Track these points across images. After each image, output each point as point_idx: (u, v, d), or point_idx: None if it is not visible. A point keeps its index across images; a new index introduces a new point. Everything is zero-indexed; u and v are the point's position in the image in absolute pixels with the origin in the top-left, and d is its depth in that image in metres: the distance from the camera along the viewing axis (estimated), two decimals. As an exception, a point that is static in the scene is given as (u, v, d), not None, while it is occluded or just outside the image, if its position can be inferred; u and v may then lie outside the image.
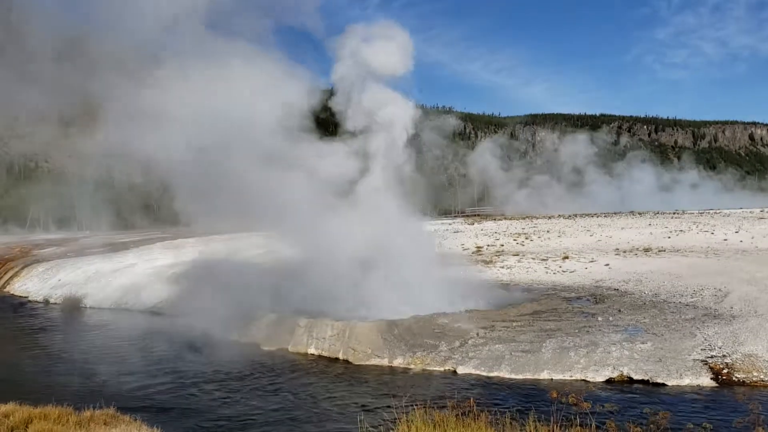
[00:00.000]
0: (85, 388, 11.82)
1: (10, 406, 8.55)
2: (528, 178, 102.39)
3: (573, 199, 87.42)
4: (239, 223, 17.78)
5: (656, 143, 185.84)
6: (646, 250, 25.29)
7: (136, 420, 8.36)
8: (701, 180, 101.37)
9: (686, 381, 10.36)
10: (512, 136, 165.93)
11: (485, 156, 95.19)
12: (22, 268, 31.15)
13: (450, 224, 46.88)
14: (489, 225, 44.34)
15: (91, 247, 38.15)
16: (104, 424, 8.11)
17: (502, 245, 30.61)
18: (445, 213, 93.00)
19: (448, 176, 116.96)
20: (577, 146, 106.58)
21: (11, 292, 28.01)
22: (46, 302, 24.64)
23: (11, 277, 30.19)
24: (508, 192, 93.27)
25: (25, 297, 26.40)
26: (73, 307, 22.72)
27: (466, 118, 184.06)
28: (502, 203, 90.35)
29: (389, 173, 17.96)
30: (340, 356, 13.45)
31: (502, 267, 23.49)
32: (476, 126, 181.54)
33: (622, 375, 10.82)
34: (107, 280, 25.06)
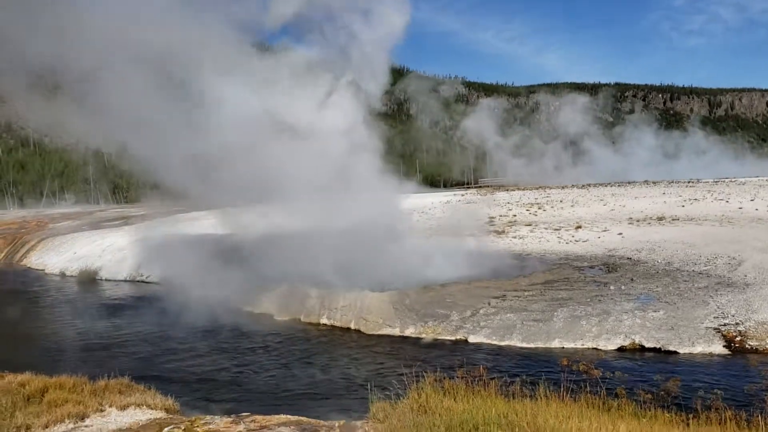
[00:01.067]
0: (99, 358, 11.98)
1: (26, 376, 8.69)
2: (523, 144, 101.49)
3: (573, 166, 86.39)
4: (241, 198, 17.82)
5: (671, 112, 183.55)
6: (660, 218, 25.11)
7: (150, 389, 8.46)
8: (710, 146, 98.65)
9: (698, 349, 10.34)
10: (517, 105, 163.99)
11: (481, 121, 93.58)
12: (39, 242, 31.44)
13: (462, 195, 46.76)
14: (502, 195, 44.17)
15: (105, 220, 38.46)
16: (119, 393, 8.21)
17: (515, 215, 30.49)
18: (457, 184, 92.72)
19: (459, 146, 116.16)
20: (576, 111, 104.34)
21: (28, 266, 28.33)
22: (63, 275, 24.90)
23: (28, 251, 30.50)
24: (504, 159, 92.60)
25: (42, 270, 26.69)
26: (88, 279, 22.97)
27: (478, 87, 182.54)
28: (498, 172, 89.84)
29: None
30: (352, 326, 13.53)
31: (515, 237, 23.41)
32: (488, 96, 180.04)
33: (633, 343, 10.81)
34: (122, 252, 25.23)
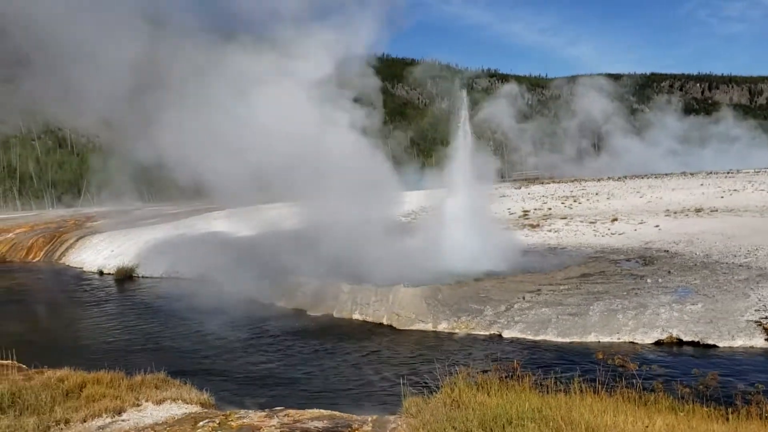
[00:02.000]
0: (136, 353, 12.16)
1: (64, 371, 8.84)
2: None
3: (606, 157, 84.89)
4: (272, 195, 18.04)
5: (710, 101, 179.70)
6: (698, 210, 24.64)
7: (185, 383, 8.54)
8: (745, 135, 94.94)
9: (738, 342, 10.10)
10: (550, 97, 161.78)
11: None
12: (77, 240, 32.03)
13: (496, 188, 46.38)
14: (536, 188, 43.75)
15: (142, 218, 39.02)
16: (155, 387, 8.30)
17: (550, 209, 30.20)
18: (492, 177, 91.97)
19: (493, 140, 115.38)
20: (607, 102, 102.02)
21: (67, 264, 28.88)
22: (101, 273, 25.33)
23: (66, 249, 31.09)
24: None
25: (80, 268, 27.19)
26: (125, 276, 23.33)
27: (509, 80, 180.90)
28: (533, 165, 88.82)
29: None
30: (384, 321, 13.51)
31: (550, 230, 23.18)
32: (521, 88, 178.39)
33: (671, 337, 10.61)
34: (157, 250, 25.56)
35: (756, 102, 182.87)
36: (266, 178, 17.59)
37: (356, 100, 19.54)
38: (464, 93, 18.86)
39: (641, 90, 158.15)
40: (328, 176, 17.45)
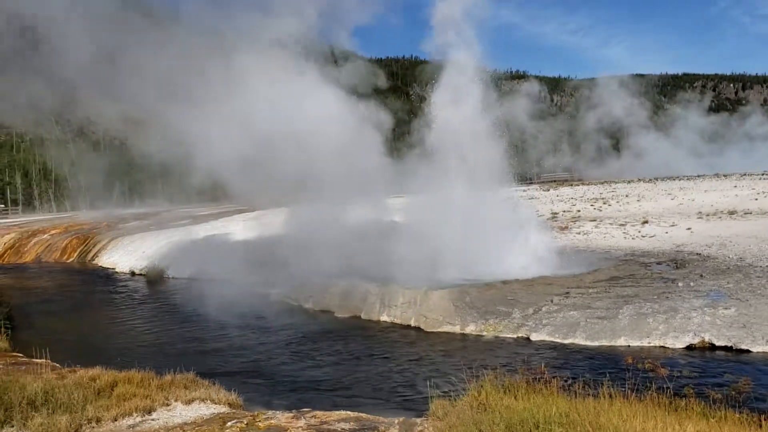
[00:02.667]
0: (166, 353, 12.31)
1: (96, 371, 8.99)
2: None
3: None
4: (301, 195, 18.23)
5: (743, 102, 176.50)
6: (731, 212, 24.23)
7: (214, 384, 8.62)
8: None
9: (773, 347, 9.91)
10: (572, 96, 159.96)
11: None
12: (109, 241, 32.55)
13: (525, 191, 46.09)
14: (565, 190, 43.40)
15: (172, 220, 39.49)
16: (184, 387, 8.41)
17: (579, 211, 29.94)
18: (520, 179, 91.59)
19: (522, 141, 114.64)
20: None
21: (100, 264, 29.36)
22: (132, 273, 25.72)
23: (99, 250, 31.61)
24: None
25: (113, 269, 27.63)
26: (156, 277, 23.65)
27: (541, 81, 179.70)
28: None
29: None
30: (412, 323, 13.51)
31: (579, 233, 22.98)
32: (551, 89, 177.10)
33: (703, 341, 10.44)
34: (188, 251, 25.87)
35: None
36: (296, 180, 17.75)
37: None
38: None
39: (672, 90, 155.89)
40: (360, 177, 17.56)
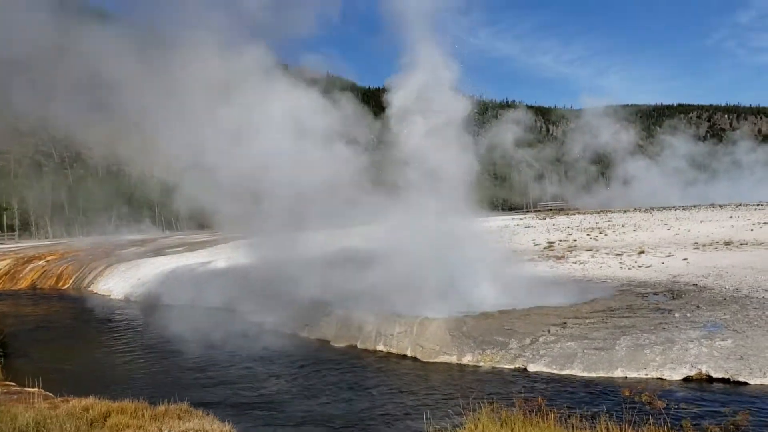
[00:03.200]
0: (160, 383, 12.21)
1: (89, 400, 8.91)
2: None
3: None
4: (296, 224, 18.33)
5: (738, 132, 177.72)
6: (727, 243, 24.26)
7: (208, 414, 8.56)
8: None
9: (770, 380, 9.86)
10: (565, 125, 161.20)
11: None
12: (105, 268, 32.46)
13: (521, 219, 46.17)
14: (561, 220, 43.45)
15: (168, 246, 39.45)
16: (178, 418, 8.34)
17: (575, 240, 29.95)
18: (515, 208, 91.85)
19: (518, 171, 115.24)
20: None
21: (95, 291, 29.24)
22: (127, 300, 25.62)
23: (95, 277, 31.50)
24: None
25: (108, 295, 27.51)
26: (151, 304, 23.54)
27: (537, 111, 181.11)
28: (558, 196, 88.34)
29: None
30: (409, 353, 13.44)
31: (575, 262, 22.98)
32: (547, 119, 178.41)
33: (700, 373, 10.40)
34: (182, 278, 25.81)
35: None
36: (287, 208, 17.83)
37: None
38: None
39: (667, 120, 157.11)
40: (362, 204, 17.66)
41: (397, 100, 18.25)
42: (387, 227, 17.85)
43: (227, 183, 17.84)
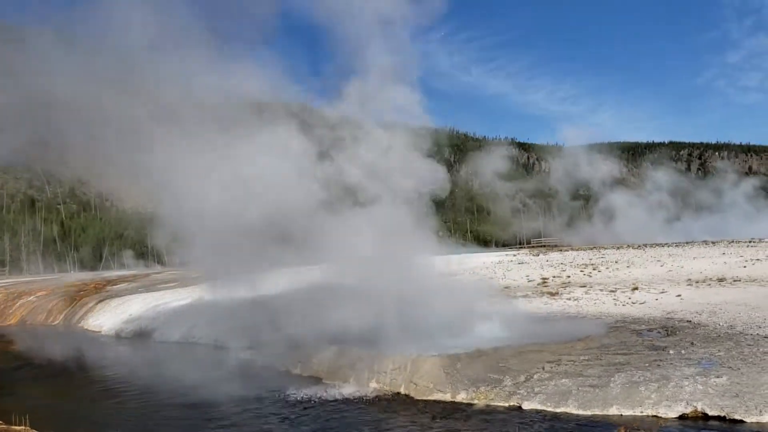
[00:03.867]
0: (149, 420, 12.06)
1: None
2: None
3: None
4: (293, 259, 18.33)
5: (728, 170, 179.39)
6: (720, 280, 24.31)
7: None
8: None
9: (767, 418, 9.78)
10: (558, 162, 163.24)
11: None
12: (96, 303, 32.20)
13: (514, 255, 46.18)
14: (555, 256, 43.49)
15: (160, 282, 39.22)
16: (167, 457, 8.20)
17: (569, 276, 29.94)
18: (508, 244, 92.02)
19: (511, 207, 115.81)
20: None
21: (85, 327, 28.96)
22: (118, 336, 25.38)
23: (86, 313, 31.22)
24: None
25: (98, 331, 27.25)
26: (142, 341, 23.32)
27: (528, 148, 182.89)
28: (551, 233, 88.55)
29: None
30: (402, 390, 13.30)
31: (569, 299, 22.93)
32: (539, 156, 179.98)
33: (696, 411, 10.32)
34: (174, 315, 25.61)
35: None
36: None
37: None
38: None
39: (658, 158, 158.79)
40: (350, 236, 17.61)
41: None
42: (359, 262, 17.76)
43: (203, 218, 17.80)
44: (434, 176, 19.03)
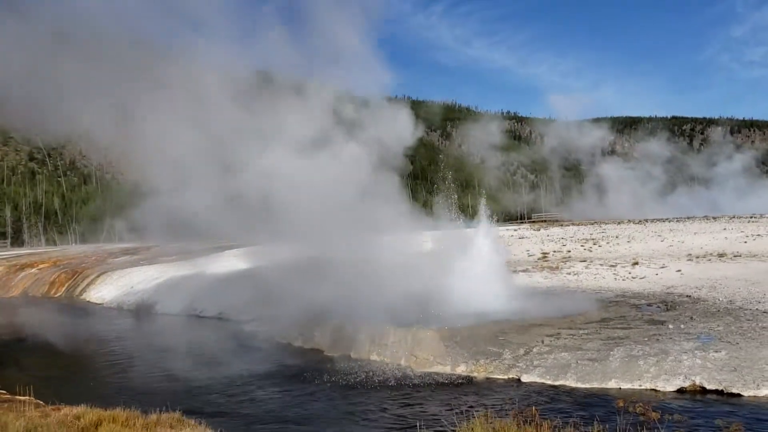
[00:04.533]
0: (152, 392, 12.13)
1: (81, 408, 8.85)
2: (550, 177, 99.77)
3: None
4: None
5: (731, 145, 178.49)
6: (721, 255, 24.34)
7: (200, 424, 8.50)
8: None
9: (764, 392, 9.84)
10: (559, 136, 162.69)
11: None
12: (98, 276, 32.32)
13: (515, 230, 46.17)
14: (555, 230, 43.49)
15: (162, 255, 39.27)
16: (170, 427, 8.28)
17: (569, 251, 30.00)
18: (510, 219, 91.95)
19: (510, 181, 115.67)
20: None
21: (87, 299, 29.10)
22: (120, 308, 25.50)
23: (87, 285, 31.36)
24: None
25: (101, 303, 27.39)
26: (144, 313, 23.44)
27: (529, 122, 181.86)
28: (551, 208, 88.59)
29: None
30: (402, 363, 13.40)
31: (569, 273, 23.00)
32: (539, 130, 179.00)
33: (694, 384, 10.39)
34: (176, 287, 25.71)
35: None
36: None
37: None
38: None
39: (660, 133, 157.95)
40: (347, 214, 17.61)
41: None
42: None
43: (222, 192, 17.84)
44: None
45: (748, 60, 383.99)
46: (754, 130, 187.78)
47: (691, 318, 14.08)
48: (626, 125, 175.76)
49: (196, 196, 17.87)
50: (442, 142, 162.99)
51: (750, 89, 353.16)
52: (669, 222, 43.95)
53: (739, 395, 9.88)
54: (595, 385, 10.98)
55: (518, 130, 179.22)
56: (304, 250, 19.23)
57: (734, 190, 78.29)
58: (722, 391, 10.08)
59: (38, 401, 10.37)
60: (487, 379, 11.99)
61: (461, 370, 12.53)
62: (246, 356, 14.89)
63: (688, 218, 48.93)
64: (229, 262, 30.62)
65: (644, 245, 29.99)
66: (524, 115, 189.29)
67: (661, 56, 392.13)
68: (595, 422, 7.45)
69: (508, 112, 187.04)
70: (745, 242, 27.72)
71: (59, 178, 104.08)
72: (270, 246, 20.91)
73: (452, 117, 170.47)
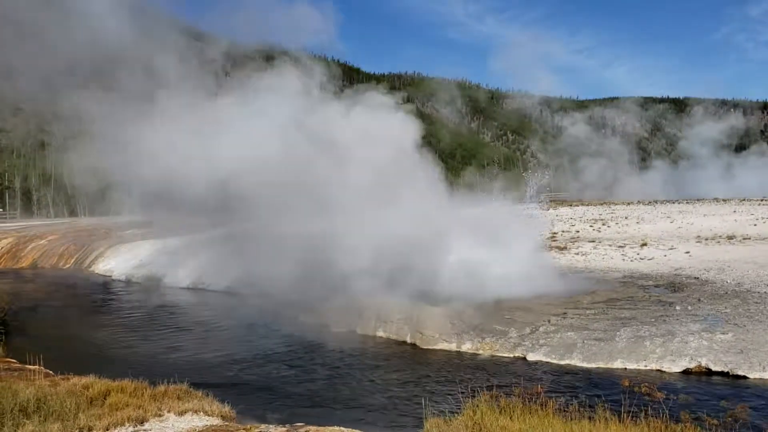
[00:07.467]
0: (160, 363, 12.23)
1: (89, 379, 8.94)
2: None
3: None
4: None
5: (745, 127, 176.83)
6: (730, 237, 24.22)
7: (207, 395, 8.57)
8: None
9: (770, 374, 9.85)
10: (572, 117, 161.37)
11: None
12: (107, 249, 32.43)
13: (524, 210, 46.02)
14: (565, 211, 43.39)
15: (172, 228, 39.36)
16: (177, 398, 8.36)
17: (578, 231, 29.92)
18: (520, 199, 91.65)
19: (522, 161, 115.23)
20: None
21: (96, 271, 29.24)
22: (128, 281, 25.62)
23: (96, 257, 31.49)
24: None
25: (109, 276, 27.52)
26: (153, 285, 23.56)
27: (542, 101, 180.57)
28: (561, 188, 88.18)
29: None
30: (408, 339, 13.44)
31: (577, 253, 22.96)
32: (552, 109, 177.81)
33: (699, 366, 10.40)
34: (184, 261, 25.78)
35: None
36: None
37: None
38: None
39: (673, 114, 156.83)
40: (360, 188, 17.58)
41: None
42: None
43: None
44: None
45: (763, 40, 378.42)
46: (767, 113, 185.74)
47: (699, 300, 14.04)
48: (641, 106, 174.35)
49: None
50: (453, 121, 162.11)
51: (764, 70, 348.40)
52: (679, 203, 43.77)
53: (744, 377, 9.89)
54: (601, 365, 11.00)
55: (528, 110, 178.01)
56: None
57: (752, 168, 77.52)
58: (728, 373, 10.09)
59: (47, 370, 10.47)
60: (493, 357, 12.03)
61: (467, 347, 12.56)
62: (251, 330, 14.99)
63: (698, 200, 48.68)
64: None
65: (653, 226, 29.89)
66: (535, 93, 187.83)
67: (676, 36, 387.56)
68: (600, 401, 7.47)
69: (519, 91, 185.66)
70: (755, 225, 27.58)
71: (69, 150, 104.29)
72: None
73: (465, 95, 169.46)
